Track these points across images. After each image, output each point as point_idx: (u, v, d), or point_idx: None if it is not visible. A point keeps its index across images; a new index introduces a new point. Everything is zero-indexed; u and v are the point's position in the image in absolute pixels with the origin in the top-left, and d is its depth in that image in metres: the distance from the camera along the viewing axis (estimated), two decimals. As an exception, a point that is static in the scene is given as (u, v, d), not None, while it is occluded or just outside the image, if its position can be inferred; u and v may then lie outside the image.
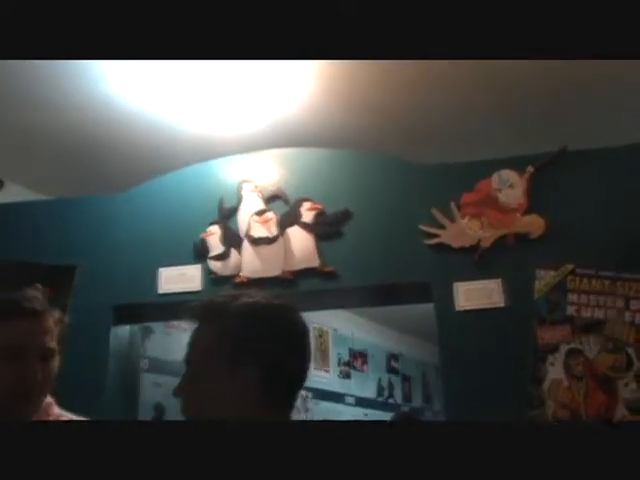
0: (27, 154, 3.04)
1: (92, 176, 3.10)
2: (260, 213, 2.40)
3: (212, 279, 2.39)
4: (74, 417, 1.40)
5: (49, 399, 1.40)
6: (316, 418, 4.67)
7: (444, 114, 2.84)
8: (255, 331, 1.05)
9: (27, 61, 2.24)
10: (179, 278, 2.41)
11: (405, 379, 6.30)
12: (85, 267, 2.45)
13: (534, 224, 2.20)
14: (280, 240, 2.37)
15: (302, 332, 1.10)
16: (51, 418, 1.36)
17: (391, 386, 6.05)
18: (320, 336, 5.26)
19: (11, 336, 1.30)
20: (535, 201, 2.23)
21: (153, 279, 2.42)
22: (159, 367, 3.10)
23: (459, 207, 2.27)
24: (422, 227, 2.28)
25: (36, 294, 1.39)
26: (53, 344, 1.36)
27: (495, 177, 2.27)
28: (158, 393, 3.06)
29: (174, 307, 2.49)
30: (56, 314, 1.40)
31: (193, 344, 1.09)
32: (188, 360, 1.09)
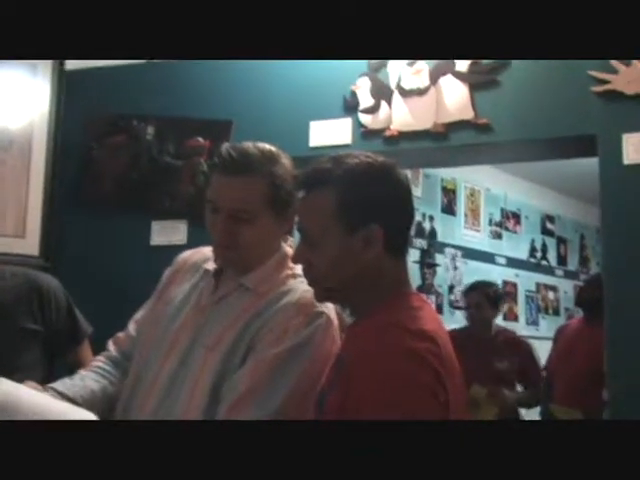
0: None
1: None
2: (411, 63, 2.30)
3: (362, 133, 2.37)
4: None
5: (285, 251, 1.38)
6: (465, 277, 4.70)
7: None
8: (365, 191, 1.09)
9: None
10: (330, 132, 2.42)
11: (561, 241, 6.10)
12: (240, 122, 2.53)
13: None
14: (432, 90, 2.27)
15: (407, 187, 1.14)
16: (288, 272, 1.34)
17: (545, 248, 5.90)
18: (471, 195, 5.16)
19: (211, 189, 1.33)
20: None
21: (304, 133, 2.45)
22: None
23: (636, 49, 2.02)
24: (590, 72, 2.07)
25: (250, 152, 1.30)
26: (249, 206, 1.28)
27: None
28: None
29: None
30: (268, 176, 1.29)
31: (305, 212, 1.14)
32: (302, 228, 1.13)
